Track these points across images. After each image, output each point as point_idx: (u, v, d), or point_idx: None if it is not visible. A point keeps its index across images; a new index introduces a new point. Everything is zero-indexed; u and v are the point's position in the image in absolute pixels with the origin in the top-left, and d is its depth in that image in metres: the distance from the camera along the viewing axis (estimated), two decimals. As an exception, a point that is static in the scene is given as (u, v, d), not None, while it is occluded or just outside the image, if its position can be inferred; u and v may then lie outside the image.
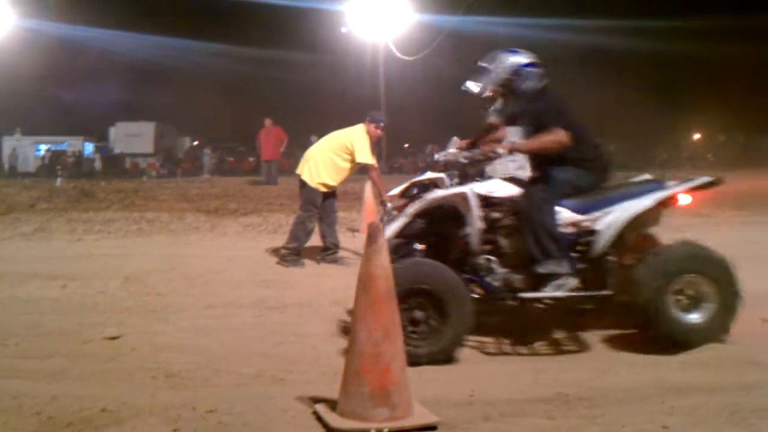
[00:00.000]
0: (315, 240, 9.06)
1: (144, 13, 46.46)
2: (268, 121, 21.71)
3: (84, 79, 46.34)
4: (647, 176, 5.60)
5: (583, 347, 5.26)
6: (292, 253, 8.64)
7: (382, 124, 8.70)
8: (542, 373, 4.69)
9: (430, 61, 35.88)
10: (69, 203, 17.21)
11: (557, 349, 5.27)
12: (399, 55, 36.92)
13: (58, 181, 26.62)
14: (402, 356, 3.74)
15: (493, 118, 5.78)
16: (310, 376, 4.64)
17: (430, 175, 5.73)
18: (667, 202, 5.30)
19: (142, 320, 6.14)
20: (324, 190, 8.64)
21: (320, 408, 3.86)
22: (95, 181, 27.20)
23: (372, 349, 3.65)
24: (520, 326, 5.70)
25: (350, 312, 4.74)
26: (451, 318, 4.82)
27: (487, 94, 5.55)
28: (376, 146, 8.82)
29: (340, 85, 44.81)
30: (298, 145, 24.93)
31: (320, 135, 9.36)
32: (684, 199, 5.29)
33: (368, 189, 10.80)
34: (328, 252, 8.88)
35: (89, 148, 46.49)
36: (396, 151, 44.14)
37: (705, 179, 5.29)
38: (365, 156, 8.49)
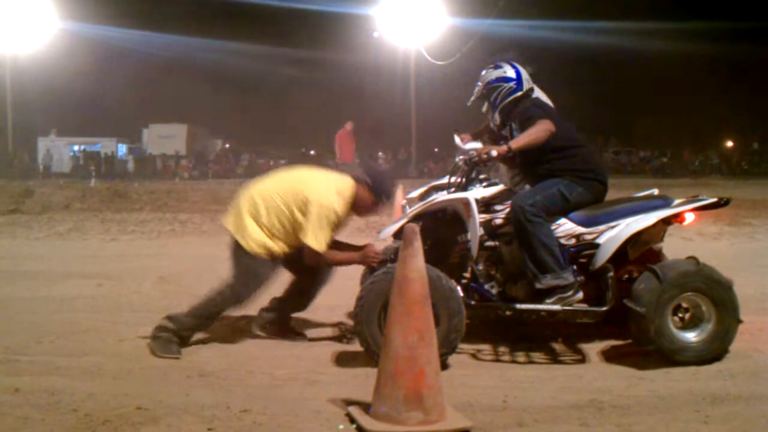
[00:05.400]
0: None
1: (180, 15, 46.96)
2: (349, 124, 19.77)
3: (118, 80, 46.89)
4: (654, 191, 5.52)
5: (615, 355, 5.21)
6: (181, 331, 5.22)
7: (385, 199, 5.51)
8: (575, 380, 4.65)
9: (462, 65, 35.86)
10: (103, 203, 17.50)
11: (589, 356, 5.22)
12: (431, 59, 36.95)
13: (92, 182, 27.00)
14: (436, 360, 3.74)
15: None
16: (343, 378, 4.65)
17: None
18: (672, 220, 5.22)
19: (176, 320, 6.18)
20: (264, 255, 5.23)
21: (353, 410, 3.88)
22: (128, 182, 27.55)
23: (407, 353, 3.66)
24: (550, 333, 5.68)
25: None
26: (440, 323, 4.58)
27: (473, 105, 5.72)
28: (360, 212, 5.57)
29: (370, 89, 44.94)
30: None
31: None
32: (689, 218, 5.22)
33: (399, 193, 10.74)
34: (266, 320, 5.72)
35: (122, 149, 47.11)
36: (425, 155, 44.08)
37: (711, 200, 5.17)
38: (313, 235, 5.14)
